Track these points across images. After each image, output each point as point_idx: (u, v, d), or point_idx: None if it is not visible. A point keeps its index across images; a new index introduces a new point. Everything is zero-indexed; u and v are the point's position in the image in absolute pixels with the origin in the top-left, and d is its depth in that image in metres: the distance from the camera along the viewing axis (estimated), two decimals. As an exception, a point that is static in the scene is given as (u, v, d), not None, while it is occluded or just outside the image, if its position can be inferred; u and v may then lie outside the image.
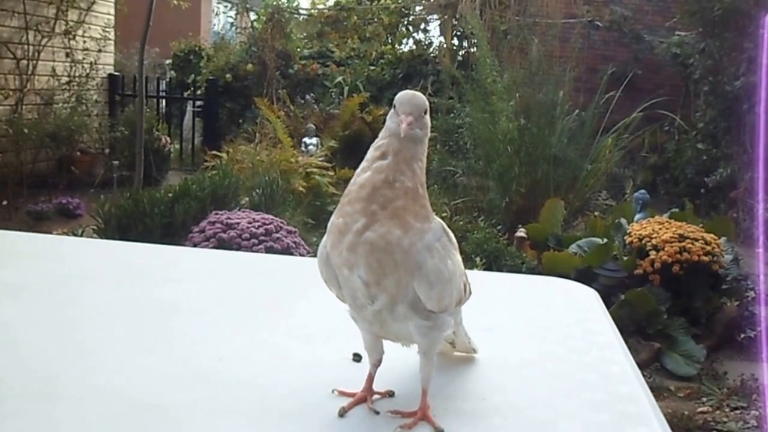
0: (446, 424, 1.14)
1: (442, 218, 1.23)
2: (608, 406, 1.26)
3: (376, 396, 1.22)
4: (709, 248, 5.67)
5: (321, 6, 14.00)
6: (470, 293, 1.29)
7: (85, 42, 10.77)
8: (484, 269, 5.81)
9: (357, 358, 1.38)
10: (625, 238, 6.09)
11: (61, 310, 1.65)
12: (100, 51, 11.16)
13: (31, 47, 9.74)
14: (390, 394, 1.24)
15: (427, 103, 1.16)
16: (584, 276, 5.41)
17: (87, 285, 1.85)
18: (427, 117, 1.16)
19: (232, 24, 15.44)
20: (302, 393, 1.26)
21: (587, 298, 1.89)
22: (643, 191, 7.11)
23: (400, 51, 13.01)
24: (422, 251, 1.11)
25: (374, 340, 1.23)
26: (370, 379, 1.23)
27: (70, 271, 1.95)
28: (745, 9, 8.43)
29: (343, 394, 1.22)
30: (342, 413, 1.17)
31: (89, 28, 10.86)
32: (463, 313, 1.32)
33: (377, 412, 1.18)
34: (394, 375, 1.27)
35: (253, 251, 4.95)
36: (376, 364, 1.24)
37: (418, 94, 1.16)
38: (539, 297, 1.93)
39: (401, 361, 1.27)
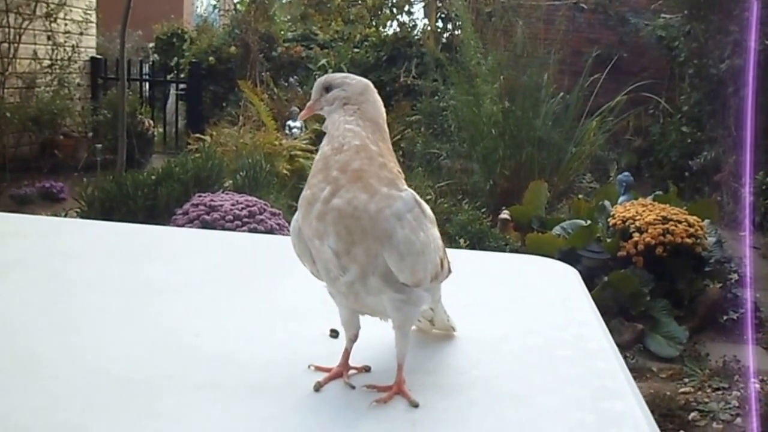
0: (423, 399, 1.14)
1: (426, 201, 1.23)
2: (585, 381, 1.26)
3: (352, 371, 1.22)
4: (692, 230, 5.68)
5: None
6: (449, 271, 1.29)
7: (66, 25, 10.65)
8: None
9: (334, 334, 1.38)
10: (609, 220, 6.10)
11: (44, 289, 1.65)
12: (81, 34, 11.04)
13: (11, 30, 9.62)
14: (366, 369, 1.24)
15: (328, 80, 1.22)
16: (568, 258, 5.40)
17: (70, 264, 1.85)
18: (334, 91, 1.20)
19: (214, 6, 15.36)
20: (278, 368, 1.26)
21: (567, 277, 1.89)
22: (627, 174, 7.11)
23: (384, 33, 12.90)
24: (391, 219, 1.11)
25: (351, 315, 1.23)
26: (347, 354, 1.23)
27: (53, 250, 1.95)
28: (730, -9, 8.44)
29: (319, 369, 1.23)
30: (317, 388, 1.17)
31: (70, 10, 10.74)
32: (443, 290, 1.32)
33: (353, 387, 1.18)
34: (370, 351, 1.27)
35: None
36: (353, 339, 1.24)
37: (320, 79, 1.24)
38: (519, 275, 1.93)
39: (378, 338, 1.27)
